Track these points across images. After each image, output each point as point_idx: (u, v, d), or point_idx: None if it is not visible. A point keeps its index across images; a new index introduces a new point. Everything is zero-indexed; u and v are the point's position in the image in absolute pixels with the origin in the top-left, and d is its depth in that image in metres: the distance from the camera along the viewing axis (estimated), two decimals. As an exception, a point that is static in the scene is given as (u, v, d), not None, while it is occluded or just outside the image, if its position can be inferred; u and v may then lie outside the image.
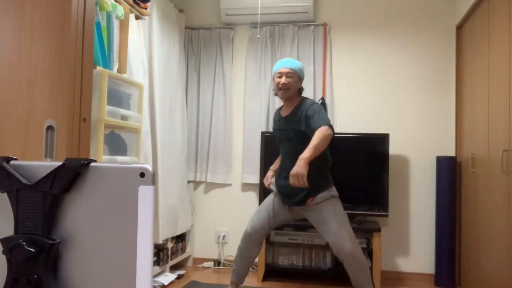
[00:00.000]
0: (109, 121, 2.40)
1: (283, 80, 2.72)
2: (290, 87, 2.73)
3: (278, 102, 4.16)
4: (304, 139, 2.67)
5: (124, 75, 2.73)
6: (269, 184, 2.91)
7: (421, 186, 3.91)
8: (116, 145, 2.58)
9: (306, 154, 2.46)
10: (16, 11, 1.91)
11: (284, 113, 2.84)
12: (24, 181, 0.68)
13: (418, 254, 3.89)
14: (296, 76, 2.75)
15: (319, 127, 2.54)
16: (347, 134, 3.79)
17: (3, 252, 0.66)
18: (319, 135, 2.49)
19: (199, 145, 4.28)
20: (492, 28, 2.96)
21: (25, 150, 1.85)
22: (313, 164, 2.57)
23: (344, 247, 2.59)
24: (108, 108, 2.39)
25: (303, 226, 3.69)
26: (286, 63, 2.76)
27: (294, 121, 2.73)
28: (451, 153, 3.87)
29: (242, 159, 4.19)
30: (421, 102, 3.96)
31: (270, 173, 2.96)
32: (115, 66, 2.69)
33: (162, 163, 3.56)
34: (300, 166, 2.42)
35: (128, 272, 0.65)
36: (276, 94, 2.83)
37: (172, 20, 3.91)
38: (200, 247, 4.29)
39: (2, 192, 0.69)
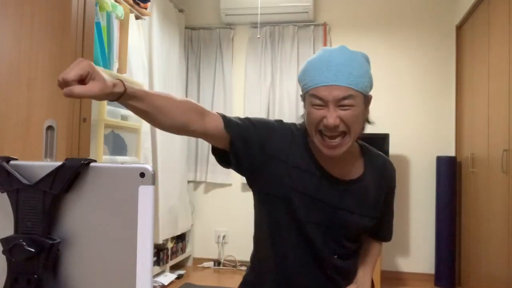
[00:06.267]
0: (109, 121, 2.40)
1: (331, 118, 1.10)
2: (350, 131, 1.14)
3: (279, 102, 4.14)
4: (355, 242, 1.29)
5: (124, 75, 2.73)
6: None
7: (421, 186, 3.91)
8: (116, 145, 2.58)
9: (369, 273, 1.31)
10: (16, 12, 1.91)
11: (329, 166, 1.21)
12: (24, 181, 0.68)
13: (418, 254, 3.89)
14: (361, 101, 1.16)
15: (387, 239, 1.47)
16: (347, 134, 3.79)
17: (3, 252, 0.66)
18: (378, 254, 1.40)
19: (199, 145, 4.28)
20: (492, 28, 2.95)
21: (25, 150, 1.85)
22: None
23: None
24: (108, 108, 2.38)
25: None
26: (335, 71, 1.10)
27: (362, 207, 1.24)
28: (451, 153, 3.87)
29: (242, 159, 4.19)
30: (421, 102, 3.96)
31: None
32: (115, 66, 2.68)
33: (162, 163, 3.56)
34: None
35: (128, 272, 0.65)
36: (305, 133, 1.22)
37: (172, 20, 3.91)
38: (200, 247, 4.29)
39: (2, 192, 0.69)
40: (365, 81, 1.14)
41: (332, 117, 1.09)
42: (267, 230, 1.22)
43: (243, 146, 1.13)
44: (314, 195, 1.17)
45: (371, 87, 1.19)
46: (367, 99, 1.18)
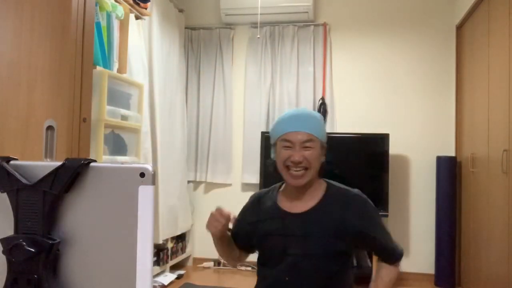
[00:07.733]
0: (109, 121, 2.40)
1: (296, 156, 1.47)
2: (311, 166, 1.49)
3: (279, 103, 4.14)
4: (339, 261, 1.52)
5: (124, 75, 2.73)
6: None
7: (421, 186, 3.91)
8: (116, 145, 2.58)
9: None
10: (16, 12, 1.91)
11: (292, 206, 1.57)
12: (24, 181, 0.68)
13: (418, 254, 3.89)
14: (318, 145, 1.51)
15: (397, 259, 1.58)
16: (347, 134, 3.79)
17: (3, 252, 0.66)
18: (389, 274, 1.58)
19: (199, 145, 4.28)
20: (492, 28, 2.95)
21: (25, 150, 1.85)
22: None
23: None
24: (108, 108, 2.38)
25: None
26: (299, 122, 1.51)
27: (324, 228, 1.50)
28: (451, 153, 3.87)
29: (242, 159, 4.19)
30: (421, 102, 3.96)
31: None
32: (115, 66, 2.68)
33: (162, 163, 3.56)
34: None
35: (128, 272, 0.65)
36: (276, 170, 1.59)
37: (172, 20, 3.91)
38: (200, 247, 4.29)
39: (2, 192, 0.69)
40: (321, 131, 1.52)
41: (297, 155, 1.47)
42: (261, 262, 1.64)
43: (240, 237, 1.70)
44: (282, 232, 1.53)
45: (325, 139, 1.55)
46: (323, 146, 1.53)
